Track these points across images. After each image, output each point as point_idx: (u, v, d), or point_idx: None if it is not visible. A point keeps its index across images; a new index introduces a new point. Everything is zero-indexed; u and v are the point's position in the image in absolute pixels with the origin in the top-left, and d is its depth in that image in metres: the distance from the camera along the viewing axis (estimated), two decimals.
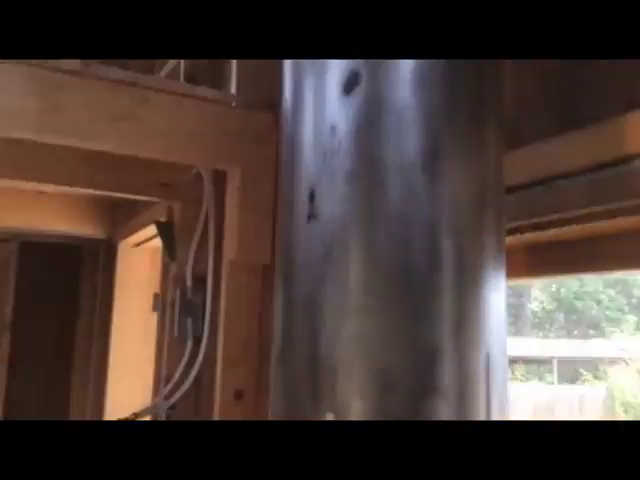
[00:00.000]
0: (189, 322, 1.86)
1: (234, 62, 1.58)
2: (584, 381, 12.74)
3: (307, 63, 0.51)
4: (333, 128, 0.49)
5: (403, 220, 0.47)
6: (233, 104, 1.51)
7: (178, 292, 1.86)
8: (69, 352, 3.00)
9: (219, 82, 2.02)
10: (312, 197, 0.48)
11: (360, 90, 0.49)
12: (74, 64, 1.31)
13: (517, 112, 0.78)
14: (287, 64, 0.55)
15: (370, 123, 0.48)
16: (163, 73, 2.23)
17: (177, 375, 1.80)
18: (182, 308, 1.87)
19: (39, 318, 3.00)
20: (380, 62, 0.49)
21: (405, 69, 0.49)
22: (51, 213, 2.46)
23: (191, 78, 2.07)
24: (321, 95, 0.50)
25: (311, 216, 0.48)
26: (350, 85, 0.49)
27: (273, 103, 1.58)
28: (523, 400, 10.39)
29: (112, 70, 1.37)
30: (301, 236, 0.49)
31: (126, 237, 2.52)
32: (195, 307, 1.87)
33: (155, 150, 1.40)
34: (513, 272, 0.70)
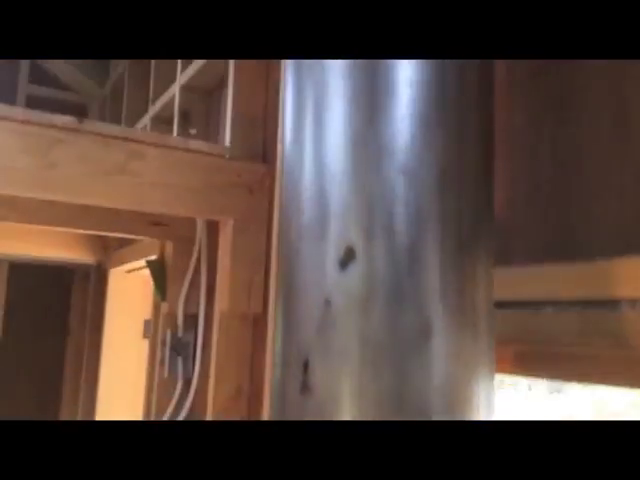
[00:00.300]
0: (179, 361, 1.87)
1: (229, 110, 1.59)
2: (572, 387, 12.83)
3: (305, 234, 0.52)
4: (328, 302, 0.50)
5: (395, 399, 0.48)
6: (227, 156, 1.51)
7: (169, 332, 1.86)
8: (58, 375, 2.99)
9: (212, 119, 2.03)
10: (306, 367, 0.49)
11: (355, 266, 0.50)
12: (68, 120, 1.32)
13: (507, 231, 0.80)
14: (285, 229, 0.55)
15: (364, 300, 0.49)
16: (157, 106, 2.23)
17: (166, 416, 1.81)
18: (173, 347, 1.87)
19: (28, 340, 2.99)
20: (375, 239, 0.50)
21: (400, 247, 0.50)
22: (42, 240, 2.45)
23: (185, 113, 2.07)
24: (317, 268, 0.51)
25: (304, 388, 0.49)
26: (346, 260, 0.50)
27: (266, 154, 1.59)
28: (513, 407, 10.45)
29: (105, 125, 1.37)
30: (294, 408, 0.50)
31: (117, 265, 2.52)
32: (186, 346, 1.88)
33: (148, 204, 1.40)
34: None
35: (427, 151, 0.51)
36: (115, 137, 1.36)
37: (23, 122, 1.28)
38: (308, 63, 0.56)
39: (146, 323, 2.62)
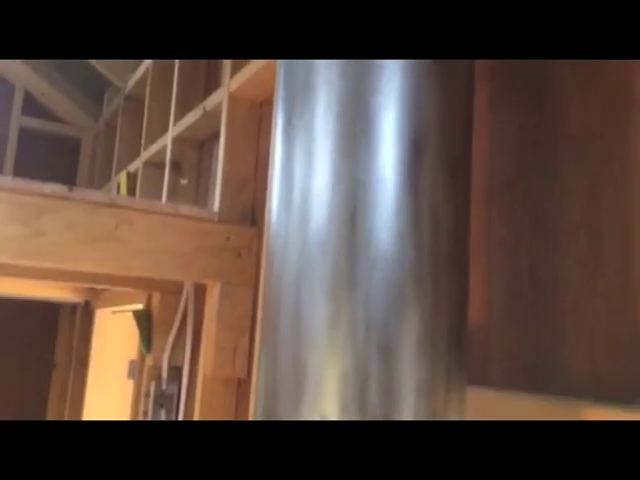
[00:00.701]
0: (162, 413, 1.87)
1: (219, 174, 1.60)
2: None
3: (281, 401, 0.53)
4: None
5: None
6: (215, 220, 1.53)
7: (153, 384, 1.86)
8: (42, 408, 2.97)
9: (203, 169, 2.04)
10: None
11: None
12: (58, 189, 1.32)
13: (483, 348, 0.81)
14: (261, 389, 0.56)
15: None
16: (149, 152, 2.24)
17: None
18: (156, 399, 1.87)
19: (14, 372, 2.97)
20: (349, 413, 0.51)
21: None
22: (30, 280, 2.44)
23: (176, 163, 2.08)
24: None
25: None
26: None
27: (255, 217, 1.60)
28: None
29: (95, 193, 1.38)
30: None
31: (104, 306, 2.51)
32: (169, 399, 1.88)
33: (136, 269, 1.41)
34: None
35: (403, 326, 0.52)
36: (104, 204, 1.36)
37: (12, 191, 1.28)
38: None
39: (131, 363, 2.61)
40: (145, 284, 1.87)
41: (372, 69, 0.52)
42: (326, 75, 0.53)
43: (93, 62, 2.69)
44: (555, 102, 0.78)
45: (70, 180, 3.24)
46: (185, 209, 1.48)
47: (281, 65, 0.60)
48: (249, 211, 1.61)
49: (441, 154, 0.54)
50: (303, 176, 0.54)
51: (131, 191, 2.43)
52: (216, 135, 1.89)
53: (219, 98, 1.69)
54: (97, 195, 1.37)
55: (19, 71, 3.05)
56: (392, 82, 0.52)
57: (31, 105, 3.16)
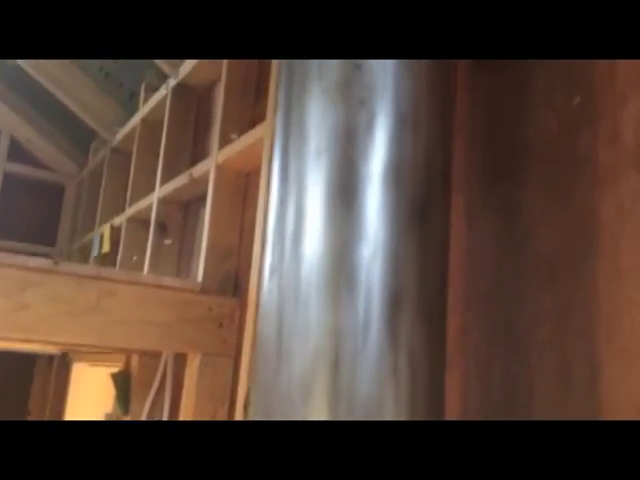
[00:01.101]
0: None
1: (203, 245, 1.63)
2: None
3: None
4: None
5: None
6: (198, 290, 1.55)
7: None
8: None
9: (188, 230, 2.06)
10: None
11: None
12: (43, 263, 1.34)
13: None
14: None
15: None
16: (133, 210, 2.26)
17: None
18: None
19: None
20: None
21: None
22: None
23: (161, 224, 2.10)
24: None
25: None
26: None
27: (238, 287, 1.62)
28: None
29: (79, 266, 1.40)
30: None
31: (81, 360, 2.50)
32: None
33: (118, 340, 1.42)
34: None
35: None
36: (88, 277, 1.38)
37: None
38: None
39: (106, 417, 2.58)
40: (124, 347, 1.87)
41: (357, 224, 0.56)
42: (312, 223, 0.57)
43: (80, 114, 2.71)
44: (525, 223, 0.83)
45: (53, 226, 3.24)
46: (167, 280, 1.50)
47: (271, 211, 0.64)
48: (232, 281, 1.63)
49: (418, 302, 0.57)
50: (289, 322, 0.57)
51: (114, 244, 2.44)
52: (202, 197, 1.92)
53: (206, 167, 1.72)
54: (82, 268, 1.39)
55: (5, 117, 3.07)
56: (377, 237, 0.56)
57: (16, 151, 3.17)
